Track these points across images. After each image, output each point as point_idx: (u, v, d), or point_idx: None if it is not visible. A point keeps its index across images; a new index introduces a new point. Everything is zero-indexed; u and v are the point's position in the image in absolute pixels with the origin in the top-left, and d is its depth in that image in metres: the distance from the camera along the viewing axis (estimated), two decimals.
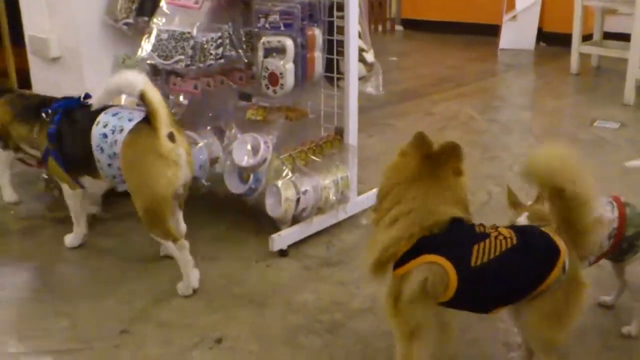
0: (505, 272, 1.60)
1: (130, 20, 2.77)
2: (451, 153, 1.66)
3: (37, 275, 2.44)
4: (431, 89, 5.37)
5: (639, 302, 2.01)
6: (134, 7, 2.74)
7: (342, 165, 2.74)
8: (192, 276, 2.28)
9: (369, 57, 2.74)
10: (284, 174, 2.55)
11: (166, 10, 2.61)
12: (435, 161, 1.65)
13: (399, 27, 8.59)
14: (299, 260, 2.53)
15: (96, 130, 2.24)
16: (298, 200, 2.56)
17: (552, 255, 1.60)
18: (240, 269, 2.46)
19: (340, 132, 2.75)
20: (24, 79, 4.27)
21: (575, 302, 1.64)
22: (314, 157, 2.66)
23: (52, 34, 2.92)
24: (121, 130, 2.19)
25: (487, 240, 1.60)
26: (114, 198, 3.01)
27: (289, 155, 2.60)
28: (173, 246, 2.22)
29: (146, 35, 2.63)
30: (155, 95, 2.13)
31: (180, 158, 2.17)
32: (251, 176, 2.60)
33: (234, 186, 2.67)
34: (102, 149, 2.23)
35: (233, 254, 2.57)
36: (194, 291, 2.28)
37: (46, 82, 3.08)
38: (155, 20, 2.62)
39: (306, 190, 2.58)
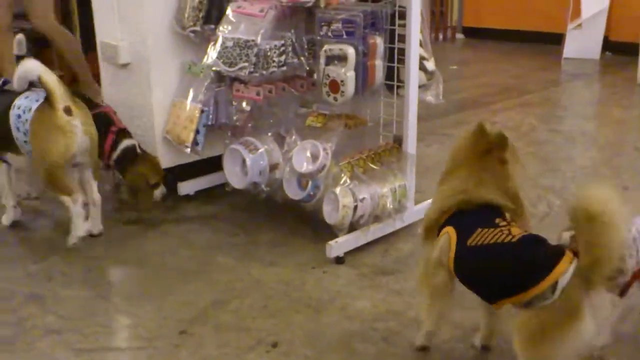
0: (487, 261, 1.71)
1: (197, 28, 2.84)
2: (498, 143, 1.81)
3: (101, 275, 2.52)
4: (492, 98, 5.30)
5: None
6: (201, 16, 2.81)
7: (400, 173, 2.74)
8: (81, 227, 2.60)
9: (430, 65, 2.74)
10: (342, 181, 2.57)
11: (232, 19, 2.67)
12: (485, 149, 1.82)
13: (459, 36, 8.52)
14: (355, 267, 2.54)
15: (12, 113, 2.60)
16: (355, 207, 2.57)
17: (541, 270, 1.59)
18: (297, 275, 2.49)
19: (399, 141, 2.75)
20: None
21: (560, 332, 1.58)
22: (372, 165, 2.67)
23: (122, 41, 3.02)
24: (29, 110, 2.56)
25: (492, 229, 1.71)
26: (173, 202, 3.11)
27: (348, 163, 2.62)
28: (68, 199, 2.55)
29: (212, 43, 2.70)
30: (50, 78, 2.48)
31: (76, 128, 2.50)
32: (310, 183, 2.63)
33: (293, 192, 2.71)
34: (18, 129, 2.59)
35: (290, 260, 2.60)
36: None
37: (115, 86, 3.19)
38: (221, 28, 2.68)
39: (364, 198, 2.58)
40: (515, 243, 1.66)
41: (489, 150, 1.81)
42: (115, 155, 2.88)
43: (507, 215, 1.81)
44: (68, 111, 2.49)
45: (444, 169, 1.94)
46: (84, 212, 2.60)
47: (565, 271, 1.58)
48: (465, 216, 1.78)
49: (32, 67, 2.52)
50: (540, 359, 1.63)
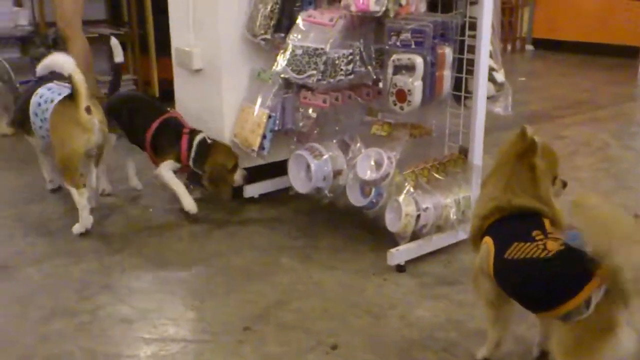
0: (523, 276, 1.73)
1: (268, 36, 2.91)
2: (528, 148, 1.82)
3: (170, 270, 2.61)
4: (562, 112, 5.20)
5: None
6: (272, 24, 2.88)
7: (464, 185, 2.73)
8: (87, 219, 2.87)
9: (499, 76, 2.73)
10: (405, 190, 2.58)
11: (302, 27, 2.73)
12: (520, 154, 1.84)
13: (529, 47, 8.39)
14: (416, 276, 2.54)
15: (34, 100, 2.92)
16: (418, 216, 2.58)
17: (573, 287, 1.59)
18: (357, 280, 2.51)
19: (464, 152, 2.74)
20: (166, 88, 4.60)
21: (596, 347, 1.57)
22: (436, 175, 2.67)
23: (196, 48, 3.13)
24: (52, 102, 2.84)
25: (528, 243, 1.71)
26: (239, 204, 3.19)
27: (412, 172, 2.63)
28: (76, 192, 2.83)
29: (282, 51, 2.77)
30: (79, 78, 2.72)
31: (94, 126, 2.80)
32: (373, 190, 2.65)
33: (356, 199, 2.74)
34: (36, 114, 2.92)
35: (351, 265, 2.63)
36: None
37: (188, 91, 3.31)
38: (291, 36, 2.75)
39: (427, 208, 2.59)
40: (550, 259, 1.67)
41: (524, 154, 1.83)
42: (192, 153, 3.00)
43: (547, 222, 1.79)
44: (88, 110, 2.77)
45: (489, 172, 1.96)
46: (88, 206, 2.89)
47: (598, 287, 1.57)
48: (504, 226, 1.81)
49: (64, 63, 2.74)
50: None
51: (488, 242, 1.82)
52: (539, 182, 1.83)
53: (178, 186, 3.02)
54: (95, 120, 2.81)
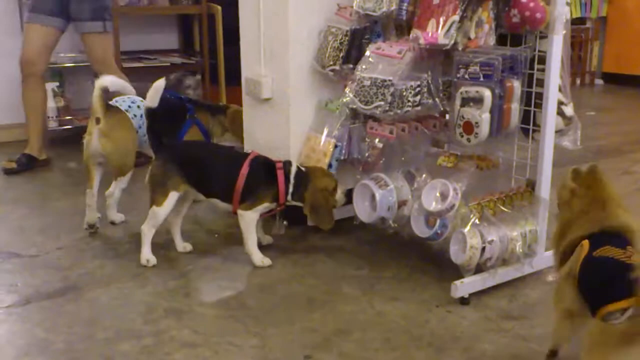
0: (597, 270, 1.87)
1: (337, 67, 2.97)
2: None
3: (233, 296, 2.66)
4: (632, 147, 5.07)
5: None
6: (341, 56, 2.94)
7: (531, 218, 2.69)
8: (88, 216, 3.25)
9: (568, 110, 2.70)
10: (470, 222, 2.57)
11: (370, 59, 2.78)
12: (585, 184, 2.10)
13: (598, 81, 8.22)
14: (480, 310, 2.51)
15: None
16: (483, 249, 2.55)
17: (620, 292, 1.75)
18: (420, 312, 2.50)
19: (532, 185, 2.71)
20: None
21: (613, 353, 1.76)
22: (503, 208, 2.65)
23: (265, 78, 3.22)
24: None
25: (620, 249, 1.84)
26: (302, 232, 3.22)
27: (477, 204, 2.62)
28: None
29: (350, 81, 2.82)
30: (95, 93, 3.07)
31: (94, 134, 3.12)
32: (437, 221, 2.65)
33: (420, 230, 2.74)
34: None
35: (414, 296, 2.62)
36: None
37: (256, 119, 3.39)
38: (359, 67, 2.80)
39: (492, 240, 2.57)
40: (629, 264, 1.76)
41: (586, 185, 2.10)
42: (291, 187, 2.84)
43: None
44: (97, 121, 3.08)
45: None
46: (91, 205, 3.23)
47: (637, 304, 1.70)
48: (603, 236, 1.92)
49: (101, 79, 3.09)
50: None
51: (584, 243, 1.91)
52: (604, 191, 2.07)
53: (253, 240, 2.88)
54: (96, 129, 3.10)
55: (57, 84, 5.06)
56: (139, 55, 5.42)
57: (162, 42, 5.71)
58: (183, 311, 2.52)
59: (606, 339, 1.78)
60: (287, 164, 2.88)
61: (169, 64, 5.41)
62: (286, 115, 3.14)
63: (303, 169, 2.90)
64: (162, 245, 3.06)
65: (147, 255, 2.89)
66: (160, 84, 2.82)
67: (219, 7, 5.27)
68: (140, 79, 5.53)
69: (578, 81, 8.06)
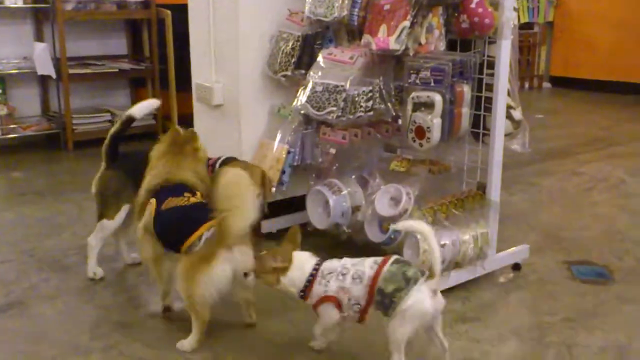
0: (171, 219, 2.31)
1: (288, 73, 2.96)
2: (190, 137, 2.51)
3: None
4: (579, 149, 5.20)
5: (392, 355, 2.02)
6: (292, 61, 2.93)
7: (482, 221, 2.73)
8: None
9: (517, 114, 2.74)
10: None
11: (322, 65, 2.77)
12: (183, 142, 2.49)
13: (546, 85, 8.42)
14: None
15: None
16: None
17: (195, 225, 2.20)
18: (375, 317, 2.49)
19: (482, 188, 2.74)
20: (185, 122, 4.66)
21: (198, 272, 2.17)
22: (454, 211, 2.67)
23: (216, 84, 3.18)
24: None
25: (179, 197, 2.34)
26: (256, 239, 3.19)
27: (430, 208, 2.64)
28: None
29: (302, 87, 2.81)
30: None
31: None
32: (391, 226, 2.66)
33: (374, 235, 2.74)
34: None
35: None
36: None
37: (207, 126, 3.35)
38: (311, 73, 2.79)
39: (445, 244, 2.59)
40: (188, 206, 2.28)
41: (186, 143, 2.48)
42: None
43: (198, 191, 2.36)
44: None
45: (151, 162, 2.48)
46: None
47: (209, 229, 2.17)
48: (165, 190, 2.35)
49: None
50: (186, 293, 2.20)
51: (152, 201, 2.34)
52: (200, 161, 2.52)
53: None
54: None
55: (0, 91, 4.91)
56: (86, 61, 5.29)
57: (110, 47, 5.60)
58: (133, 324, 2.46)
59: (192, 264, 2.17)
60: (227, 159, 2.92)
61: (117, 70, 5.31)
62: (238, 121, 3.11)
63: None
64: (110, 257, 2.98)
65: (93, 268, 2.82)
66: (154, 103, 2.94)
67: (169, 12, 5.20)
68: (87, 85, 5.44)
69: (527, 85, 8.24)
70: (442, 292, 2.60)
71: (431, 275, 2.02)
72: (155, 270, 2.44)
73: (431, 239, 2.02)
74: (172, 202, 2.31)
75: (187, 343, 2.28)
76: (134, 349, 2.29)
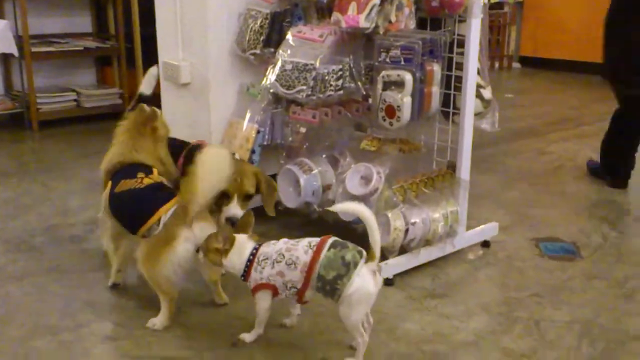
0: (125, 202, 2.33)
1: (257, 51, 2.92)
2: (150, 116, 2.48)
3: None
4: (548, 128, 5.25)
5: (355, 337, 2.04)
6: (261, 39, 2.90)
7: (452, 199, 2.74)
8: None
9: (487, 93, 2.75)
10: (394, 205, 2.59)
11: (292, 43, 2.74)
12: (143, 122, 2.47)
13: (516, 65, 8.48)
14: (404, 290, 2.55)
15: None
16: (407, 231, 2.58)
17: (152, 208, 2.21)
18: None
19: (452, 167, 2.76)
20: (153, 103, 4.59)
21: (160, 254, 2.17)
22: (425, 190, 2.68)
23: (184, 62, 3.14)
24: None
25: (132, 180, 2.33)
26: None
27: (401, 187, 2.64)
28: None
29: (271, 66, 2.78)
30: None
31: None
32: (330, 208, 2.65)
33: (345, 213, 2.74)
34: None
35: None
36: None
37: (175, 105, 3.30)
38: (280, 51, 2.76)
39: (415, 222, 2.60)
40: (141, 189, 2.27)
41: (146, 122, 2.46)
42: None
43: (155, 170, 2.38)
44: None
45: (113, 141, 2.49)
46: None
47: (167, 211, 2.18)
48: (120, 172, 2.36)
49: None
50: (149, 275, 2.21)
51: (109, 183, 2.36)
52: (159, 140, 2.50)
53: None
54: None
55: None
56: (49, 39, 5.18)
57: (74, 25, 5.48)
58: (103, 303, 2.44)
59: (154, 247, 2.17)
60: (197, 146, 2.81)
61: (82, 48, 5.20)
62: (206, 100, 3.07)
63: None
64: (80, 237, 2.94)
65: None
66: (154, 70, 2.93)
67: None
68: (51, 64, 5.33)
69: (497, 65, 8.29)
70: (413, 269, 2.67)
71: (371, 257, 2.01)
72: (112, 249, 2.46)
73: (371, 221, 2.00)
74: (125, 184, 2.31)
75: (157, 321, 2.27)
76: (105, 328, 2.27)
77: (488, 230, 2.97)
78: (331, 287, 1.98)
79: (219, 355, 2.11)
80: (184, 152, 2.72)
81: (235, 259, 2.12)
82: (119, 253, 2.48)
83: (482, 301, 2.48)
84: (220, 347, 2.16)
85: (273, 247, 2.10)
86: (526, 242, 3.04)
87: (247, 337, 2.19)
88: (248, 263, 2.10)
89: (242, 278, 2.13)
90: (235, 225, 2.33)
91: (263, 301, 2.12)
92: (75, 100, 5.23)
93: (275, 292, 2.09)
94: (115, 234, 2.43)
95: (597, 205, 3.54)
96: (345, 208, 2.16)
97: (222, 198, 2.46)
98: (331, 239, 2.05)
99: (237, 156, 2.72)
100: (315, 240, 2.05)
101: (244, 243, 2.14)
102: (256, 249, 2.12)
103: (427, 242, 2.69)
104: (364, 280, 1.97)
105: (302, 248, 2.05)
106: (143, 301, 2.45)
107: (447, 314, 2.39)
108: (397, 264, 2.61)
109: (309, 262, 2.00)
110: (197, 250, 2.17)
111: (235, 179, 2.43)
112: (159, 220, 2.18)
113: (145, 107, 2.54)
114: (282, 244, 2.11)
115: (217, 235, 2.13)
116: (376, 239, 2.01)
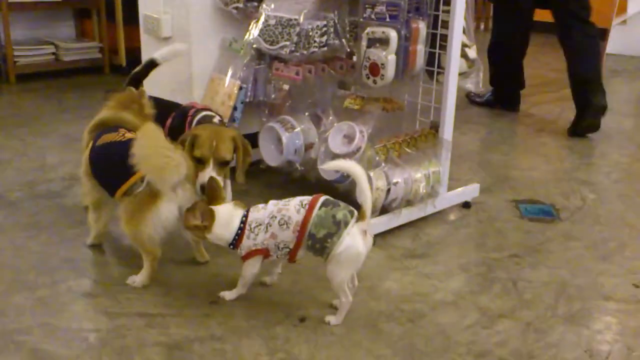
0: (106, 153, 2.27)
1: (240, 5, 2.86)
2: (139, 94, 2.52)
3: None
4: (530, 90, 5.24)
5: (339, 296, 2.05)
6: None
7: (434, 159, 2.74)
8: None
9: (472, 53, 2.73)
10: (376, 164, 2.58)
11: None
12: (128, 99, 2.50)
13: None
14: (385, 249, 2.56)
15: None
16: (388, 190, 2.58)
17: (128, 169, 2.09)
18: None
19: (435, 127, 2.75)
20: (134, 57, 4.51)
21: (143, 212, 2.14)
22: (407, 150, 2.68)
23: (165, 15, 3.06)
24: None
25: (113, 133, 2.30)
26: None
27: (383, 146, 2.63)
28: None
29: (254, 20, 2.73)
30: None
31: None
32: (321, 167, 2.64)
33: (327, 172, 2.72)
34: None
35: None
36: None
37: None
38: (264, 5, 2.70)
39: (397, 182, 2.60)
40: (123, 141, 2.19)
41: (133, 100, 2.47)
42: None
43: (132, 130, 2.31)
44: None
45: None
46: None
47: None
48: (103, 131, 2.32)
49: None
50: (132, 234, 2.17)
51: (90, 141, 2.33)
52: (144, 107, 2.47)
53: None
54: None
55: None
56: None
57: None
58: (81, 260, 2.42)
59: (137, 205, 2.12)
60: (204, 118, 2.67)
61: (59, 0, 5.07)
62: (187, 55, 3.00)
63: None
64: (59, 193, 2.90)
65: None
66: (181, 47, 2.84)
67: None
68: (29, 15, 5.19)
69: (482, 26, 8.23)
70: (394, 229, 2.68)
71: (362, 217, 2.00)
72: (94, 213, 2.43)
73: (363, 181, 1.98)
74: (106, 138, 2.26)
75: (138, 279, 2.26)
76: (83, 285, 2.26)
77: (469, 191, 2.98)
78: (321, 245, 1.97)
79: (199, 313, 2.11)
80: (172, 114, 2.67)
81: (222, 231, 2.06)
82: (99, 222, 2.44)
83: (461, 261, 2.50)
84: (200, 305, 2.15)
85: (264, 212, 2.06)
86: (506, 204, 3.05)
87: (227, 295, 2.18)
88: (239, 231, 2.05)
89: (232, 247, 2.09)
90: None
91: (253, 267, 2.10)
92: (53, 53, 5.12)
93: (267, 255, 2.07)
94: (96, 201, 2.38)
95: (577, 168, 3.56)
96: (337, 166, 2.13)
97: (197, 164, 2.27)
98: (323, 197, 2.03)
99: (216, 119, 2.59)
100: (307, 199, 2.03)
101: (229, 213, 2.07)
102: (245, 216, 2.07)
103: (408, 203, 2.70)
104: (354, 240, 1.97)
105: (293, 207, 2.02)
106: (123, 258, 2.44)
107: (427, 273, 2.40)
108: (378, 224, 2.61)
109: (301, 221, 1.98)
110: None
111: (211, 143, 2.27)
112: (143, 177, 2.11)
113: (133, 89, 2.57)
114: (272, 206, 2.06)
115: (193, 211, 2.05)
116: (367, 198, 1.99)
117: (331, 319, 2.07)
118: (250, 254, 2.07)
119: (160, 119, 2.48)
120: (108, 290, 2.23)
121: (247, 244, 2.05)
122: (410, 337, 2.02)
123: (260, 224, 2.04)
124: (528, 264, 2.50)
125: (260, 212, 2.06)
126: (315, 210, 1.99)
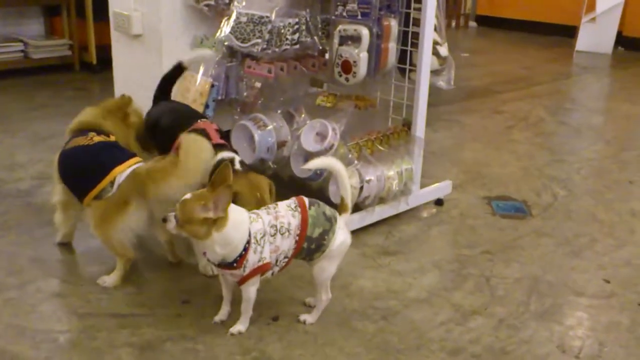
0: (73, 158, 2.26)
1: (212, 2, 2.82)
2: (126, 102, 2.50)
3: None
4: (502, 88, 5.30)
5: (320, 294, 2.04)
6: None
7: (407, 157, 2.75)
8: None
9: (443, 50, 2.74)
10: (349, 162, 2.58)
11: None
12: (115, 107, 2.48)
13: (472, 24, 8.49)
14: (358, 247, 2.56)
15: None
16: (361, 188, 2.58)
17: (105, 168, 2.14)
18: None
19: (407, 124, 2.76)
20: (104, 55, 4.45)
21: (112, 217, 2.12)
22: (380, 147, 2.68)
23: (135, 12, 3.02)
24: None
25: (82, 137, 2.28)
26: None
27: (356, 144, 2.63)
28: None
29: (226, 18, 2.70)
30: None
31: None
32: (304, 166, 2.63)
33: (300, 170, 2.72)
34: None
35: None
36: None
37: (126, 57, 3.19)
38: (235, 3, 2.68)
39: (370, 180, 2.60)
40: (91, 145, 2.20)
41: (119, 107, 2.47)
42: None
43: (112, 137, 2.31)
44: None
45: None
46: None
47: (122, 172, 2.10)
48: (75, 133, 2.31)
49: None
50: (102, 238, 2.16)
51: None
52: (127, 129, 2.46)
53: None
54: None
55: None
56: None
57: None
58: (50, 260, 2.38)
59: (107, 210, 2.10)
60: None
61: None
62: (158, 52, 2.96)
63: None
64: (27, 191, 2.85)
65: None
66: (210, 55, 2.76)
67: None
68: None
69: (453, 24, 8.29)
70: (367, 227, 2.68)
71: (344, 209, 2.02)
72: (62, 215, 2.40)
73: (343, 176, 1.98)
74: (74, 142, 2.24)
75: (108, 279, 2.23)
76: (52, 285, 2.23)
77: (441, 188, 3.00)
78: (317, 243, 1.94)
79: (171, 313, 2.09)
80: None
81: (232, 237, 1.80)
82: (66, 223, 2.42)
83: (434, 258, 2.52)
84: (172, 305, 2.13)
85: (262, 221, 1.87)
86: (478, 201, 3.08)
87: (237, 328, 1.99)
88: (246, 245, 1.83)
89: (234, 264, 1.83)
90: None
91: (254, 284, 1.95)
92: (22, 51, 5.04)
93: (267, 270, 1.93)
94: (65, 203, 2.35)
95: (548, 164, 3.60)
96: (318, 164, 2.12)
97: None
98: (305, 198, 1.98)
99: (237, 166, 2.29)
100: (292, 202, 1.96)
101: (241, 216, 1.82)
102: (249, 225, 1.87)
103: (381, 200, 2.70)
104: (345, 233, 2.00)
105: (286, 212, 1.92)
106: (93, 257, 2.41)
107: (400, 271, 2.41)
108: (351, 222, 2.58)
109: (300, 224, 1.92)
110: (164, 220, 1.84)
111: (257, 199, 2.11)
112: (113, 181, 2.10)
113: (125, 94, 2.56)
114: (265, 214, 1.90)
115: (204, 198, 1.75)
116: (347, 191, 2.00)
117: (306, 317, 2.06)
118: (252, 273, 1.89)
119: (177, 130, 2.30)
120: (78, 290, 2.20)
121: (253, 259, 1.85)
122: (384, 334, 2.03)
123: (264, 235, 1.87)
124: (500, 261, 2.52)
125: (259, 221, 1.88)
126: (309, 211, 1.94)
